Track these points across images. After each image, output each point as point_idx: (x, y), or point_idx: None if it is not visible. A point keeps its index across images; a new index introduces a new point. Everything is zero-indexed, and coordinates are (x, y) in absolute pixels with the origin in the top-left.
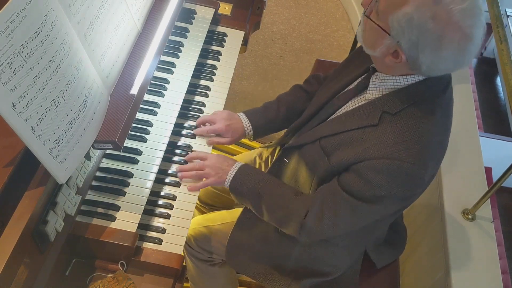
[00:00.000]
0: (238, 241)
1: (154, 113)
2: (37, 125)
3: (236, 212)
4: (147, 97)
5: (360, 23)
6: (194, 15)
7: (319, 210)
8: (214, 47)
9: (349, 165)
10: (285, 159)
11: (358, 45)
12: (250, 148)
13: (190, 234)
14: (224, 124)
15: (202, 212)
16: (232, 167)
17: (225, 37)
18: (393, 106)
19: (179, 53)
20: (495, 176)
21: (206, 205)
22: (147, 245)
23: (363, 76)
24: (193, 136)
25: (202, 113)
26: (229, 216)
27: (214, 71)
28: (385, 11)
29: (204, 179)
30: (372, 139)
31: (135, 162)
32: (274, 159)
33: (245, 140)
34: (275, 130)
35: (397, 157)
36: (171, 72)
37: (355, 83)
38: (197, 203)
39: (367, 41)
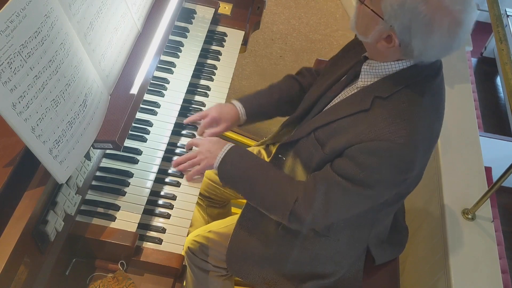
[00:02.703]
0: (238, 244)
1: (154, 113)
2: (37, 124)
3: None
4: (147, 96)
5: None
6: (194, 15)
7: (310, 195)
8: (214, 47)
9: (341, 150)
10: (281, 156)
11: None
12: (246, 146)
13: (195, 240)
14: (216, 113)
15: (200, 206)
16: (222, 149)
17: (225, 37)
18: (384, 90)
19: (179, 53)
20: (495, 176)
21: (204, 197)
22: (147, 244)
23: (355, 68)
24: (193, 136)
25: None
26: (233, 219)
27: (214, 70)
28: None
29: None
30: (364, 123)
31: (135, 162)
32: (271, 157)
33: (244, 140)
34: (267, 116)
35: (388, 138)
36: (171, 72)
37: (347, 74)
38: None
39: (360, 27)
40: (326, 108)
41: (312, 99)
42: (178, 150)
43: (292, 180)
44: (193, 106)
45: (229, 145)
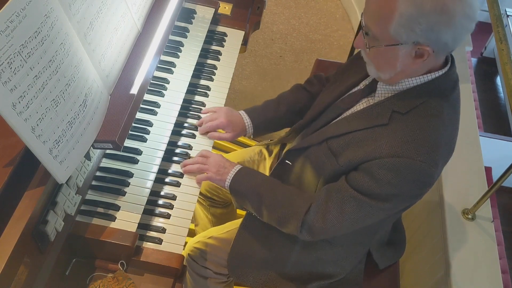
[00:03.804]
0: (240, 249)
1: (154, 113)
2: (37, 124)
3: (240, 221)
4: (147, 96)
5: (366, 63)
6: (194, 15)
7: (323, 207)
8: (214, 47)
9: (358, 164)
10: (288, 162)
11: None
12: (247, 146)
13: (194, 247)
14: (225, 119)
15: (203, 206)
16: (233, 168)
17: (225, 37)
18: (402, 106)
19: (179, 53)
20: (495, 176)
21: (206, 198)
22: (147, 244)
23: (369, 79)
24: (193, 136)
25: None
26: (233, 224)
27: (214, 70)
28: (381, 30)
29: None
30: (382, 138)
31: (135, 162)
32: (277, 162)
33: (244, 139)
34: (275, 129)
35: (408, 155)
36: (171, 72)
37: (361, 85)
38: (198, 197)
39: (384, 67)
40: (340, 118)
41: (321, 106)
42: (178, 150)
43: (302, 192)
44: (193, 106)
45: (239, 166)
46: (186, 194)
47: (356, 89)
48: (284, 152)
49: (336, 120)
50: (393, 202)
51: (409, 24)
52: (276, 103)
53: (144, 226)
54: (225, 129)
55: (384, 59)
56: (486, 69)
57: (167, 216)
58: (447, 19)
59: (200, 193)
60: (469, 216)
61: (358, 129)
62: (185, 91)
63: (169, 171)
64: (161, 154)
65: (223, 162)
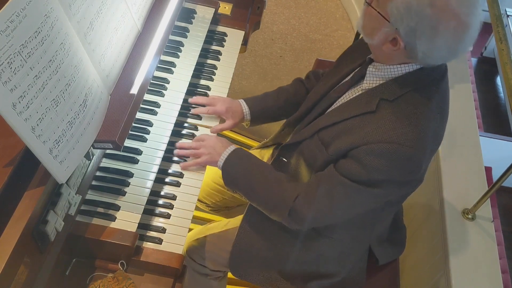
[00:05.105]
0: (242, 248)
1: (154, 113)
2: (37, 124)
3: (239, 218)
4: (147, 96)
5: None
6: (194, 15)
7: (312, 194)
8: (214, 47)
9: (346, 151)
10: (283, 158)
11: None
12: (249, 147)
13: (192, 245)
14: (224, 106)
15: (203, 211)
16: (227, 149)
17: (225, 37)
18: (390, 93)
19: (179, 53)
20: (495, 176)
21: (207, 206)
22: (147, 244)
23: (359, 67)
24: (193, 136)
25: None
26: (232, 222)
27: (214, 70)
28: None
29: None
30: (370, 125)
31: (135, 161)
32: (272, 159)
33: (243, 139)
34: (272, 119)
35: (396, 141)
36: (171, 72)
37: (352, 74)
38: (197, 204)
39: (367, 29)
40: (330, 109)
41: (315, 98)
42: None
43: (293, 180)
44: (193, 106)
45: (233, 146)
46: (186, 194)
47: (347, 78)
48: (279, 148)
49: (327, 110)
50: (382, 188)
51: (404, 12)
52: (275, 94)
53: (144, 226)
54: (224, 116)
55: (370, 23)
56: (486, 69)
57: (167, 216)
58: (431, 33)
59: (202, 202)
60: (469, 216)
61: (347, 118)
62: (185, 91)
63: (169, 171)
64: (161, 154)
65: (215, 143)
